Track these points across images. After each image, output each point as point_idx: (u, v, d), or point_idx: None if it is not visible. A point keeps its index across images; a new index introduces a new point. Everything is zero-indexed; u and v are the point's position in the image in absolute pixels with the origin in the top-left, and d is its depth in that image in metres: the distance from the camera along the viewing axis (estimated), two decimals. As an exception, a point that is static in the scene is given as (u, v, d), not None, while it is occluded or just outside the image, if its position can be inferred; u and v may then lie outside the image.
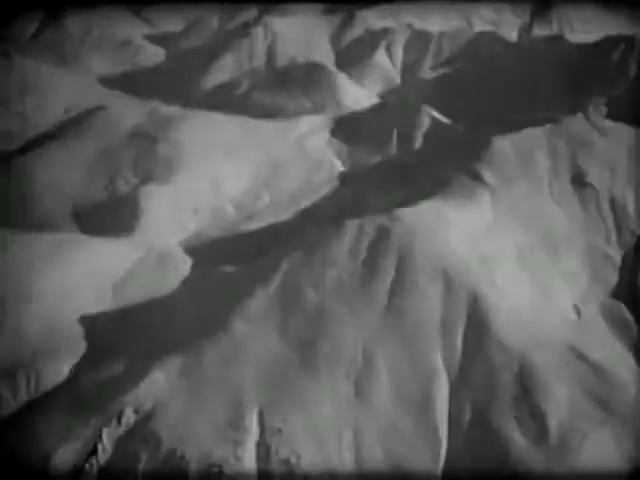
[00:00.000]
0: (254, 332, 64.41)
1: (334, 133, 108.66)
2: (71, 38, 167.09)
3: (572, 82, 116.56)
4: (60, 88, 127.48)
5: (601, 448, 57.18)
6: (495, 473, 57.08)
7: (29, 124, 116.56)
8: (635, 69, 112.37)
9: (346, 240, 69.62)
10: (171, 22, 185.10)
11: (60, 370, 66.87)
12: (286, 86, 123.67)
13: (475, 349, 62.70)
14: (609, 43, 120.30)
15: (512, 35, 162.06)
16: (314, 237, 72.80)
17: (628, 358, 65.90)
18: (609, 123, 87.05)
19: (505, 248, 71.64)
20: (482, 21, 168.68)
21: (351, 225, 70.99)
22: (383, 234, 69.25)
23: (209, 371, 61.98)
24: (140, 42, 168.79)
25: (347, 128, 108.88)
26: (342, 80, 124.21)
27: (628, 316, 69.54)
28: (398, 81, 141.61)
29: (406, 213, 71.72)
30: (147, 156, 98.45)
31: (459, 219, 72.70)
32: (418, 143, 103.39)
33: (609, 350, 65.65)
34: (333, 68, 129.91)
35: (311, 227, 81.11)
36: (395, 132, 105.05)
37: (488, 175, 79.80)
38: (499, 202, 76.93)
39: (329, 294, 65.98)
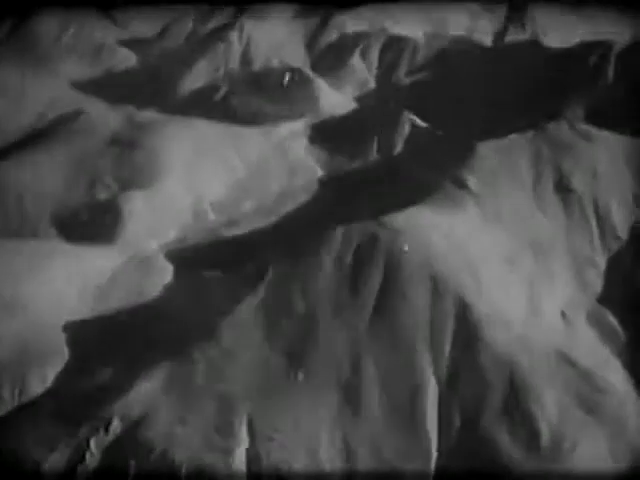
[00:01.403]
0: (242, 339, 64.06)
1: (314, 138, 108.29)
2: (42, 42, 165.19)
3: (549, 87, 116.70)
4: (32, 93, 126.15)
5: (592, 454, 57.17)
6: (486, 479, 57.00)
7: (0, 130, 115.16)
8: (612, 74, 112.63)
9: (333, 247, 69.34)
10: (143, 25, 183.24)
11: (45, 378, 66.29)
12: (264, 91, 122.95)
13: (464, 355, 62.59)
14: (586, 48, 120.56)
15: (487, 40, 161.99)
16: (299, 243, 72.46)
17: (615, 364, 65.97)
18: (591, 129, 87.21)
19: (491, 254, 71.60)
20: (457, 26, 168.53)
21: (338, 232, 70.68)
22: (370, 241, 69.03)
23: (197, 378, 61.59)
24: (113, 46, 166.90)
25: (327, 133, 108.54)
26: (320, 85, 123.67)
27: (614, 322, 69.62)
28: (374, 86, 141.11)
29: (393, 219, 71.47)
30: (127, 162, 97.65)
31: (445, 225, 72.59)
32: (398, 148, 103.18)
33: (597, 355, 65.83)
34: (311, 73, 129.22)
35: (296, 233, 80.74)
36: (375, 137, 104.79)
37: (472, 181, 79.72)
38: (484, 208, 76.84)
39: (317, 301, 65.71)
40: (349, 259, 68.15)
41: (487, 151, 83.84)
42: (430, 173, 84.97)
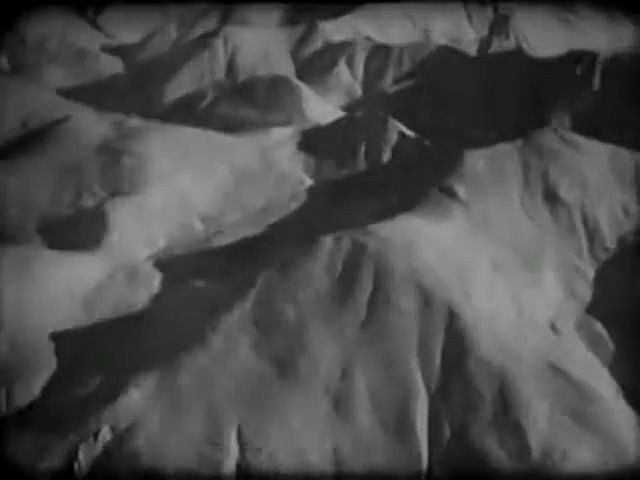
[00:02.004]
0: (231, 348, 63.74)
1: (301, 147, 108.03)
2: (25, 48, 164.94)
3: (535, 96, 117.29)
4: (15, 100, 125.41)
5: (582, 465, 57.12)
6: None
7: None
8: (598, 84, 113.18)
9: (322, 255, 69.20)
10: (127, 32, 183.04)
11: (32, 388, 65.72)
12: (250, 99, 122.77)
13: (454, 364, 62.50)
14: (572, 58, 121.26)
15: (471, 49, 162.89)
16: (288, 252, 72.33)
17: (605, 374, 66.04)
18: (579, 137, 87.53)
19: (480, 263, 71.62)
20: (441, 35, 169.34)
21: (326, 240, 70.55)
22: (359, 249, 68.94)
23: (186, 388, 61.21)
24: (97, 53, 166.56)
25: (314, 142, 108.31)
26: (307, 93, 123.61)
27: (603, 332, 69.73)
28: (360, 94, 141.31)
29: (381, 228, 71.43)
30: (113, 169, 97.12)
31: (434, 234, 72.63)
32: (386, 157, 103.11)
33: (586, 366, 65.83)
34: (297, 81, 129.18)
35: (284, 242, 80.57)
36: (362, 146, 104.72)
37: (461, 190, 79.81)
38: (472, 217, 76.93)
39: (306, 310, 65.49)
40: (338, 268, 68.03)
41: (475, 160, 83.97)
42: (418, 182, 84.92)
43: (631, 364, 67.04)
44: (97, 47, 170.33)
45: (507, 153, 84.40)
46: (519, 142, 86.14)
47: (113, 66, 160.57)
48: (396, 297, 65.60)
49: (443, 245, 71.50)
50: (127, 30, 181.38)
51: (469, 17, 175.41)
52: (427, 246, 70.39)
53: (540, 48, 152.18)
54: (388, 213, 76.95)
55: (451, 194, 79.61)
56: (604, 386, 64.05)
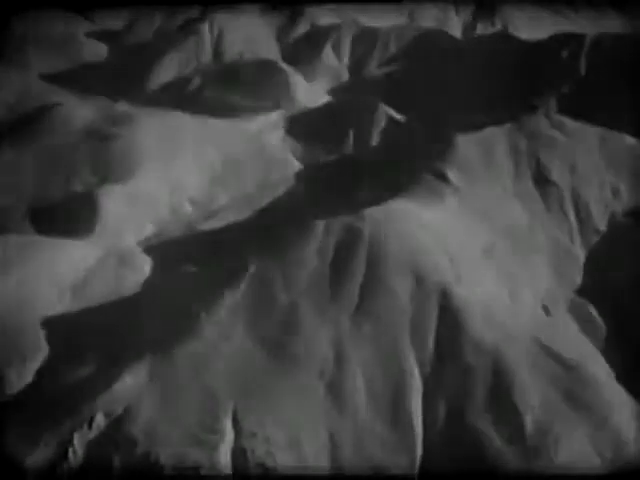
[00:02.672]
0: (225, 333, 63.53)
1: (289, 131, 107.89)
2: (10, 35, 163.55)
3: (522, 79, 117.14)
4: (0, 86, 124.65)
5: (577, 446, 57.36)
6: (472, 473, 56.98)
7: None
8: (585, 67, 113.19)
9: (314, 240, 69.11)
10: (111, 18, 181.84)
11: (24, 374, 65.32)
12: (237, 83, 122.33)
13: (447, 347, 62.57)
14: (558, 41, 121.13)
15: (457, 33, 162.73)
16: (280, 237, 72.22)
17: (597, 355, 66.31)
18: (569, 121, 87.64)
19: (472, 247, 71.77)
20: (426, 19, 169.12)
21: (318, 225, 70.46)
22: (351, 233, 68.88)
23: (180, 373, 60.92)
24: (82, 38, 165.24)
25: (302, 126, 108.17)
26: (294, 77, 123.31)
27: (595, 314, 69.97)
28: (346, 78, 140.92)
29: (374, 212, 71.33)
30: (103, 155, 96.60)
31: (426, 218, 72.67)
32: (375, 141, 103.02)
33: (579, 347, 66.14)
34: (285, 65, 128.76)
35: (275, 227, 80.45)
36: (351, 130, 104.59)
37: (451, 173, 79.88)
38: (463, 200, 77.06)
39: (299, 294, 65.40)
40: (331, 252, 67.94)
41: (465, 143, 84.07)
42: (409, 166, 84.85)
43: (623, 346, 67.29)
44: (81, 33, 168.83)
45: (497, 137, 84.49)
46: (509, 126, 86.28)
47: (97, 52, 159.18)
48: (389, 281, 65.59)
49: (435, 229, 71.55)
50: (111, 16, 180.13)
51: (455, 4, 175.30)
52: (419, 230, 70.40)
53: (526, 34, 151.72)
54: (379, 197, 76.91)
55: (442, 178, 79.66)
56: (596, 368, 64.31)
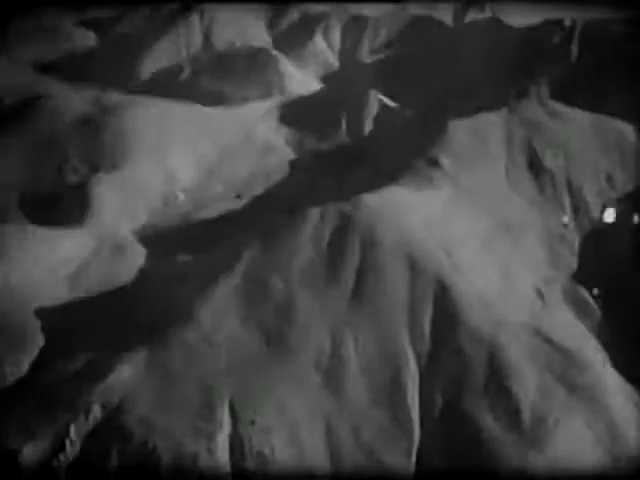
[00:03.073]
0: (220, 322, 63.41)
1: (282, 119, 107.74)
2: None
3: (514, 65, 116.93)
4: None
5: (573, 432, 57.50)
6: (469, 460, 57.08)
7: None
8: (576, 53, 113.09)
9: (309, 227, 68.99)
10: (99, 8, 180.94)
11: (21, 364, 65.22)
12: (229, 71, 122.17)
13: (443, 334, 62.64)
14: (549, 27, 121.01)
15: (447, 19, 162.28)
16: (274, 224, 72.05)
17: (592, 341, 66.37)
18: (562, 106, 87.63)
19: (466, 233, 71.73)
20: (416, 5, 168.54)
21: (312, 212, 70.34)
22: (346, 221, 68.78)
23: (176, 363, 60.82)
24: (70, 28, 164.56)
25: (295, 114, 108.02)
26: (286, 65, 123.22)
27: (589, 299, 70.04)
28: (337, 65, 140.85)
29: (368, 199, 71.19)
30: (94, 145, 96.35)
31: (420, 204, 72.57)
32: (368, 128, 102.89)
33: (574, 333, 66.17)
34: (277, 53, 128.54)
35: (269, 214, 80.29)
36: (344, 117, 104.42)
37: (446, 161, 79.80)
38: (458, 187, 76.98)
39: (295, 282, 65.32)
40: (325, 240, 67.83)
41: (459, 130, 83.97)
42: (402, 152, 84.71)
43: (617, 331, 67.36)
44: (70, 22, 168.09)
45: (490, 123, 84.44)
46: (502, 112, 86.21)
47: (87, 41, 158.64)
48: (384, 268, 65.52)
49: (430, 216, 71.46)
50: (99, 6, 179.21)
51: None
52: (414, 217, 70.32)
53: (515, 20, 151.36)
54: (373, 184, 76.77)
55: (436, 165, 79.60)
56: (592, 353, 64.48)
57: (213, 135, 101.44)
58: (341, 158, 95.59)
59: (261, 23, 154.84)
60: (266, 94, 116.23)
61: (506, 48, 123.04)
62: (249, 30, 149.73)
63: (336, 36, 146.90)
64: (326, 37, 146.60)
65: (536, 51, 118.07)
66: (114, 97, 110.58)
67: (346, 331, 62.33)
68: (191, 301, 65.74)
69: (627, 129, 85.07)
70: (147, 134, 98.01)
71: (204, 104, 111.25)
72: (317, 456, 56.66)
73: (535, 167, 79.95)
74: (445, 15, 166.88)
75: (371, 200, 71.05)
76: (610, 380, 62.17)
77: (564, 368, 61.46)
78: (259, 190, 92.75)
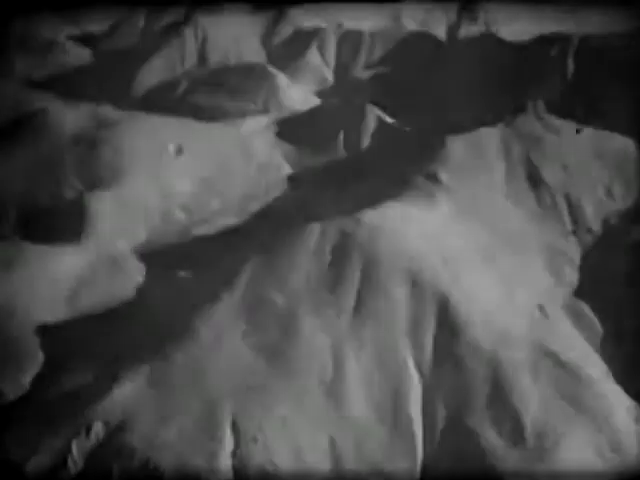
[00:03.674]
0: (222, 338, 63.20)
1: (279, 134, 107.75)
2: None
3: (510, 80, 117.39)
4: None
5: (577, 447, 57.28)
6: (473, 475, 56.88)
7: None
8: (572, 68, 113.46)
9: (309, 243, 68.89)
10: (93, 22, 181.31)
11: (21, 382, 65.00)
12: (225, 87, 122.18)
13: (446, 350, 62.48)
14: (545, 42, 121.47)
15: (441, 34, 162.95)
16: (274, 240, 71.93)
17: (594, 356, 66.32)
18: (559, 121, 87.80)
19: (466, 248, 71.64)
20: (411, 20, 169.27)
21: (313, 228, 70.24)
22: (346, 237, 68.68)
23: (178, 380, 60.50)
24: (64, 42, 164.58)
25: (292, 129, 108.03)
26: (282, 80, 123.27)
27: (591, 315, 70.00)
28: (332, 81, 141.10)
29: (368, 215, 71.16)
30: (91, 161, 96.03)
31: (420, 220, 72.56)
32: (365, 143, 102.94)
33: (576, 348, 66.01)
34: (273, 68, 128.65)
35: (268, 231, 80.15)
36: (341, 133, 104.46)
37: (444, 176, 79.88)
38: (457, 202, 76.98)
39: (296, 298, 65.13)
40: (326, 256, 67.74)
41: (457, 145, 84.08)
42: (400, 168, 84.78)
43: (619, 345, 67.34)
44: (64, 37, 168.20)
45: (488, 138, 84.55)
46: (500, 126, 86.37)
47: (81, 56, 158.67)
48: (385, 284, 65.42)
49: (430, 231, 71.41)
50: (93, 21, 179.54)
51: (438, 4, 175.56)
52: (414, 232, 70.26)
53: (510, 33, 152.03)
54: (372, 200, 76.67)
55: (435, 180, 79.64)
56: (594, 368, 64.31)
57: (209, 150, 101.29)
58: (339, 173, 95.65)
59: (255, 38, 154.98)
60: (262, 109, 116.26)
61: (502, 63, 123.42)
62: (243, 45, 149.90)
63: (331, 51, 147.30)
64: (321, 52, 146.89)
65: (532, 66, 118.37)
66: (110, 113, 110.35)
67: (348, 346, 62.16)
68: (192, 317, 65.48)
69: (626, 143, 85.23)
70: (143, 150, 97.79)
71: (200, 120, 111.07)
72: (320, 471, 56.26)
73: (534, 181, 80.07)
74: (439, 27, 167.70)
75: (371, 216, 71.02)
76: (612, 394, 61.96)
77: (567, 383, 61.31)
78: (257, 206, 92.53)
